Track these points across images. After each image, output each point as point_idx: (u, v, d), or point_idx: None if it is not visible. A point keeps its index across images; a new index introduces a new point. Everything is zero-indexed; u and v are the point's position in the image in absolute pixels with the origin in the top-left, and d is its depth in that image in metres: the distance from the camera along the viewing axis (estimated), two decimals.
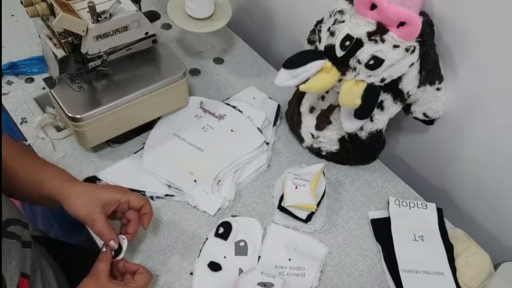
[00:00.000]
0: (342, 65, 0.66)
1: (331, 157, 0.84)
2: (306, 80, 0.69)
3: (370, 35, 0.62)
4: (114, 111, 0.74)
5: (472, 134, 0.75)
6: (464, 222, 0.80)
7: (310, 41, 0.77)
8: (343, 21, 0.65)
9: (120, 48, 0.74)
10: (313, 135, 0.81)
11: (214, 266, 0.69)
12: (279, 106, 0.91)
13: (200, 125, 0.85)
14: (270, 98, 0.93)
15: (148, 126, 0.83)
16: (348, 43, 0.64)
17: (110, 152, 0.81)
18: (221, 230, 0.72)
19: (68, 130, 0.82)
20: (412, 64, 0.65)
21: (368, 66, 0.64)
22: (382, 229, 0.76)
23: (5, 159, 0.61)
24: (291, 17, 0.99)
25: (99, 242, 0.62)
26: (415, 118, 0.77)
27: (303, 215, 0.73)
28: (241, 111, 0.87)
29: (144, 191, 0.76)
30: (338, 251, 0.74)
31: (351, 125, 0.72)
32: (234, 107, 0.88)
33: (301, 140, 0.84)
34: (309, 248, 0.73)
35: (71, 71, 0.74)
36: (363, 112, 0.69)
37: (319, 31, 0.72)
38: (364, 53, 0.63)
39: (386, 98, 0.71)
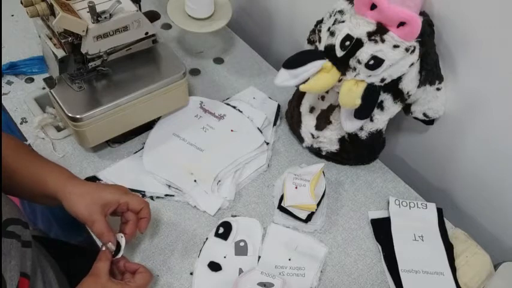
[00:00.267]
0: (342, 65, 0.66)
1: (331, 157, 0.84)
2: (306, 80, 0.69)
3: (370, 35, 0.62)
4: (114, 111, 0.74)
5: (472, 133, 0.75)
6: (464, 222, 0.80)
7: (310, 41, 0.77)
8: (343, 21, 0.65)
9: (120, 48, 0.74)
10: (313, 135, 0.81)
11: (214, 266, 0.69)
12: (279, 106, 0.91)
13: (200, 125, 0.85)
14: (270, 98, 0.92)
15: (148, 126, 0.83)
16: (348, 43, 0.64)
17: (110, 152, 0.81)
18: (221, 230, 0.72)
19: (68, 130, 0.82)
20: (412, 64, 0.65)
21: (368, 66, 0.64)
22: (382, 229, 0.76)
23: (5, 157, 0.61)
24: (291, 17, 0.99)
25: (99, 242, 0.62)
26: (415, 118, 0.77)
27: (303, 215, 0.73)
28: (241, 111, 0.87)
29: (144, 191, 0.76)
30: (338, 251, 0.74)
31: (351, 125, 0.72)
32: (234, 107, 0.88)
33: (301, 140, 0.84)
34: (309, 248, 0.72)
35: (71, 71, 0.74)
36: (363, 112, 0.69)
37: (319, 31, 0.72)
38: (364, 53, 0.63)
39: (386, 98, 0.71)
